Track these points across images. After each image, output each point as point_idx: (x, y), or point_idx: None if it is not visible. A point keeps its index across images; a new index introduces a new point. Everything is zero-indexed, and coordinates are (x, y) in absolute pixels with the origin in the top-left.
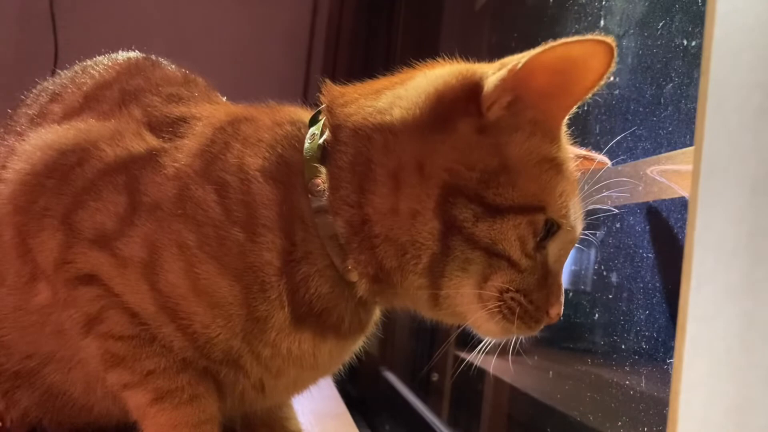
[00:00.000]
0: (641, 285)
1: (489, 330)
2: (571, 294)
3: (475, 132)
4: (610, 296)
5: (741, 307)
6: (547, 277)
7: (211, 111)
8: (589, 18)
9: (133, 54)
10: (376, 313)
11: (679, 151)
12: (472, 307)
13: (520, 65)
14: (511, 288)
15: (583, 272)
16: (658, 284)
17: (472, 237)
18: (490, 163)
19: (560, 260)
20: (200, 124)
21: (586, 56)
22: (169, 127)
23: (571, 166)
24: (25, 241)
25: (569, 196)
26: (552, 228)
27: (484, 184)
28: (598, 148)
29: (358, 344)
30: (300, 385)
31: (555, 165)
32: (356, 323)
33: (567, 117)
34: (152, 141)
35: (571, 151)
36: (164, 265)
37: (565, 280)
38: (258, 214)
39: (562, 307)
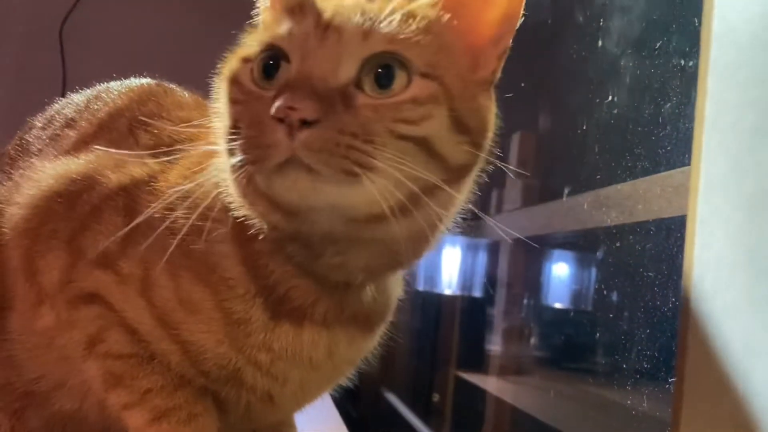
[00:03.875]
0: (642, 304)
1: (259, 183)
2: (572, 314)
3: None
4: (611, 315)
5: (742, 325)
6: (279, 91)
7: (209, 133)
8: (587, 38)
9: (146, 80)
10: (385, 311)
11: (678, 169)
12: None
13: None
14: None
15: (583, 292)
16: (658, 303)
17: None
18: None
19: (300, 63)
20: (197, 146)
21: None
22: (172, 150)
23: None
24: (32, 264)
25: None
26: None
27: None
28: (596, 168)
29: (365, 343)
30: (307, 390)
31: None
32: (337, 309)
33: None
34: (154, 165)
35: None
36: (156, 280)
37: (565, 298)
38: (209, 207)
39: (290, 98)
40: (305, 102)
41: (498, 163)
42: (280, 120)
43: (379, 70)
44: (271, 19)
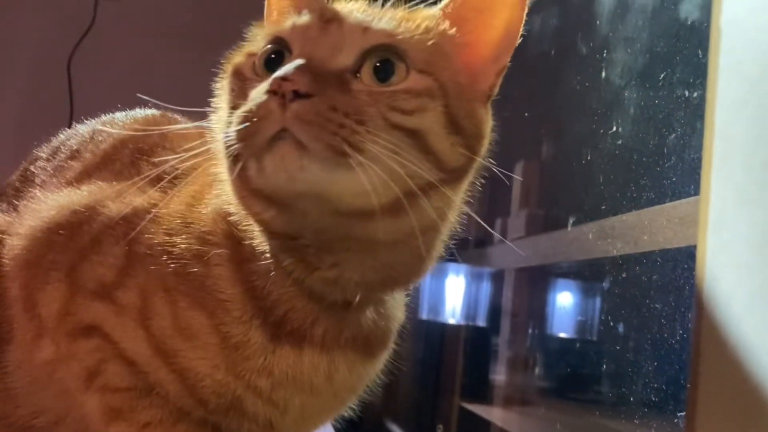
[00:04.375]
0: (649, 335)
1: (252, 170)
2: (578, 344)
3: None
4: (618, 346)
5: (756, 359)
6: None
7: (209, 164)
8: (591, 68)
9: (151, 111)
10: (385, 336)
11: (684, 200)
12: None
13: None
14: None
15: (589, 322)
16: (666, 335)
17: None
18: None
19: (300, 50)
20: (197, 175)
21: None
22: (173, 179)
23: None
24: (31, 295)
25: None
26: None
27: None
28: (601, 196)
29: (366, 369)
30: (308, 418)
31: None
32: (336, 331)
33: None
34: (154, 195)
35: None
36: (154, 309)
37: (570, 329)
38: (206, 232)
39: (286, 72)
40: (299, 75)
41: (493, 167)
42: (274, 93)
43: (378, 63)
44: (276, 18)
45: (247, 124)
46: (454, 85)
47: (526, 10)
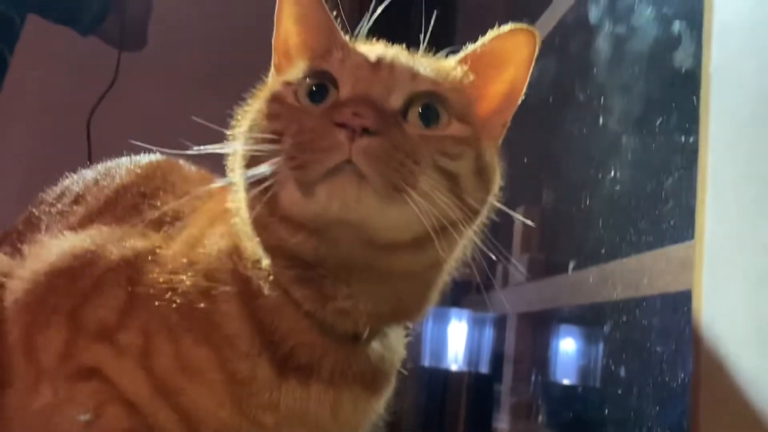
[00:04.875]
0: (650, 380)
1: (294, 195)
2: (580, 390)
3: None
4: (620, 391)
5: (754, 401)
6: (332, 106)
7: (210, 205)
8: (588, 116)
9: (155, 157)
10: (390, 370)
11: (683, 244)
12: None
13: None
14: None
15: (591, 367)
16: (668, 378)
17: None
18: None
19: (353, 86)
20: (199, 215)
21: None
22: (175, 222)
23: None
24: (31, 339)
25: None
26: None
27: None
28: (601, 241)
29: (370, 405)
30: None
31: None
32: (345, 366)
33: None
34: (155, 237)
35: None
36: (157, 348)
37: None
38: (212, 269)
39: (357, 107)
40: (369, 112)
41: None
42: (342, 126)
43: (423, 108)
44: (287, 46)
45: (307, 155)
46: (480, 133)
47: (530, 71)
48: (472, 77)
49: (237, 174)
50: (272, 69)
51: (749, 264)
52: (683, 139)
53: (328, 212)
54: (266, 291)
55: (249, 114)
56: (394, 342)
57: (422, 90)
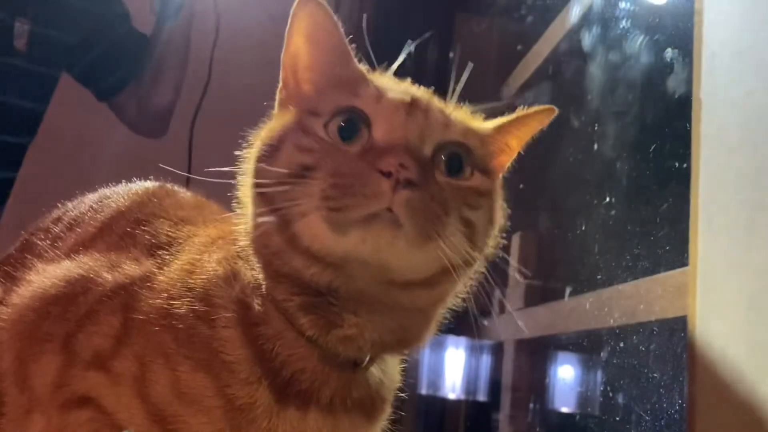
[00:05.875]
0: (648, 406)
1: (321, 232)
2: (578, 417)
3: None
4: (617, 418)
5: (750, 423)
6: (370, 150)
7: (206, 231)
8: (583, 142)
9: (150, 183)
10: (388, 396)
11: (679, 270)
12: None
13: None
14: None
15: (589, 394)
16: (665, 405)
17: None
18: None
19: (390, 129)
20: (195, 241)
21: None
22: (169, 248)
23: None
24: (24, 367)
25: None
26: (347, 113)
27: None
28: (597, 267)
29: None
30: None
31: None
32: (345, 392)
33: None
34: (149, 264)
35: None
36: (153, 376)
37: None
38: (211, 295)
39: (402, 156)
40: (413, 164)
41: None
42: (385, 174)
43: (450, 156)
44: (305, 72)
45: (348, 199)
46: (496, 183)
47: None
48: (495, 137)
49: (247, 198)
50: (280, 85)
51: (742, 287)
52: (677, 164)
53: (358, 254)
54: (267, 317)
55: (264, 137)
56: (392, 368)
57: (453, 140)
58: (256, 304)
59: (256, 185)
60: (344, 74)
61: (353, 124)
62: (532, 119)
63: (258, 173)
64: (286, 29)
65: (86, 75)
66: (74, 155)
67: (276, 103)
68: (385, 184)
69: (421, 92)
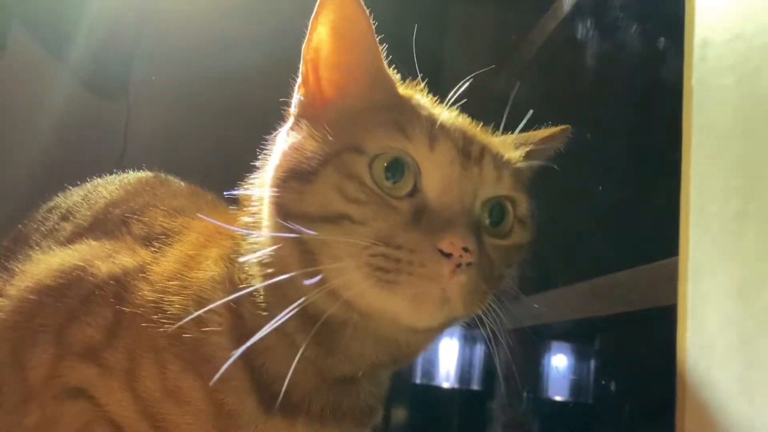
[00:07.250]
0: (641, 394)
1: (363, 289)
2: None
3: None
4: (611, 406)
5: (737, 411)
6: (423, 212)
7: (203, 223)
8: (575, 131)
9: (143, 173)
10: (377, 405)
11: (671, 259)
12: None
13: None
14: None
15: (582, 382)
16: (656, 393)
17: (305, 215)
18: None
19: (444, 187)
20: (190, 232)
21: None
22: (163, 238)
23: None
24: (19, 358)
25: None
26: (395, 162)
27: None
28: (589, 257)
29: None
30: None
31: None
32: (335, 404)
33: None
34: (143, 254)
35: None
36: (143, 371)
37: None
38: (205, 298)
39: (465, 238)
40: (473, 246)
41: None
42: (445, 254)
43: (495, 208)
44: (327, 69)
45: (403, 272)
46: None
47: None
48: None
49: (260, 203)
50: (299, 81)
51: (731, 272)
52: (668, 152)
53: (396, 314)
54: (261, 330)
55: (290, 156)
56: (383, 377)
57: (501, 195)
58: (250, 316)
59: (279, 206)
60: (382, 94)
61: (400, 166)
62: (551, 140)
63: (282, 193)
64: (312, 19)
65: None
66: None
67: (294, 102)
68: (445, 268)
69: (470, 129)
